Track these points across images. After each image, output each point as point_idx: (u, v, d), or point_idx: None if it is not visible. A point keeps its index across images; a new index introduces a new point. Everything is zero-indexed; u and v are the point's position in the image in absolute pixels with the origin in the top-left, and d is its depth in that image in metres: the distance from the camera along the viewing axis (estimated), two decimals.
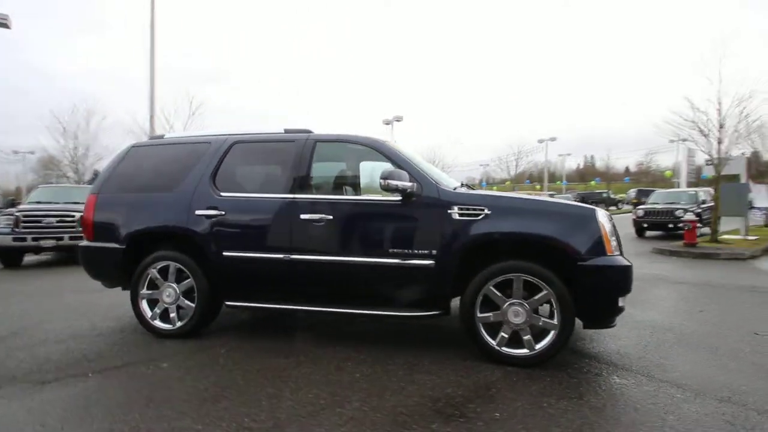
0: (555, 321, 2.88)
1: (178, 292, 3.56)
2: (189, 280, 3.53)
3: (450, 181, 3.53)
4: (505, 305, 2.95)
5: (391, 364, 3.01)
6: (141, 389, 2.66)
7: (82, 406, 2.44)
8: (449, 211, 3.05)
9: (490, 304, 3.00)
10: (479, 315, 2.99)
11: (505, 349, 2.96)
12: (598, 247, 2.88)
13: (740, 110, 10.03)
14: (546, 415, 2.30)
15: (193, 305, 3.53)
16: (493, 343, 2.97)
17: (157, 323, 3.61)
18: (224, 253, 3.42)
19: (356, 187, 3.83)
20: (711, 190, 12.66)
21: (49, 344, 3.48)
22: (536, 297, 2.91)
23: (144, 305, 3.64)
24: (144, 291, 3.63)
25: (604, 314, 2.98)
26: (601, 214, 2.99)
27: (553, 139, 37.36)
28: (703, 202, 13.16)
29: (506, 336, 2.96)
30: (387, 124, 24.60)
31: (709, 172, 12.47)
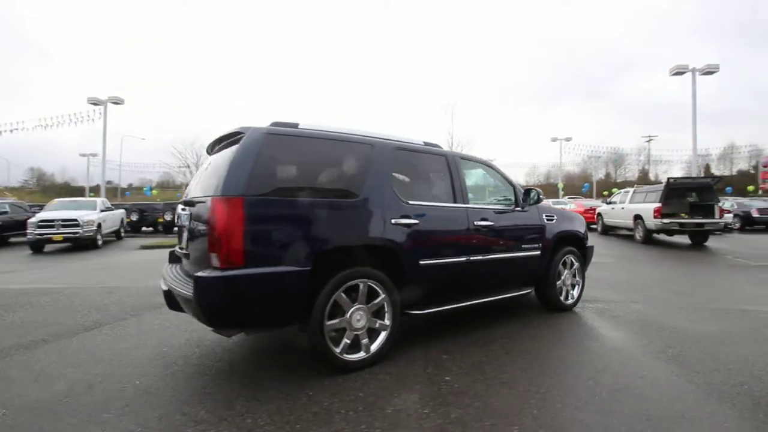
0: (579, 279, 4.95)
1: (369, 312, 3.13)
2: (381, 297, 3.19)
3: None
4: (565, 274, 4.76)
5: (559, 343, 4.16)
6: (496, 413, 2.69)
7: None
8: (541, 216, 4.54)
9: (559, 277, 4.71)
10: (557, 284, 4.65)
11: (565, 302, 4.75)
12: (586, 235, 5.19)
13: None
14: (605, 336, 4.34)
15: (387, 323, 3.22)
16: (563, 300, 4.70)
17: (347, 356, 3.01)
18: (420, 262, 3.38)
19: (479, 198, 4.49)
20: None
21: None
22: (575, 267, 4.88)
23: (328, 339, 2.93)
24: (328, 322, 2.93)
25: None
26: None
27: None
28: None
29: (566, 294, 4.77)
30: (95, 104, 19.11)
31: None
